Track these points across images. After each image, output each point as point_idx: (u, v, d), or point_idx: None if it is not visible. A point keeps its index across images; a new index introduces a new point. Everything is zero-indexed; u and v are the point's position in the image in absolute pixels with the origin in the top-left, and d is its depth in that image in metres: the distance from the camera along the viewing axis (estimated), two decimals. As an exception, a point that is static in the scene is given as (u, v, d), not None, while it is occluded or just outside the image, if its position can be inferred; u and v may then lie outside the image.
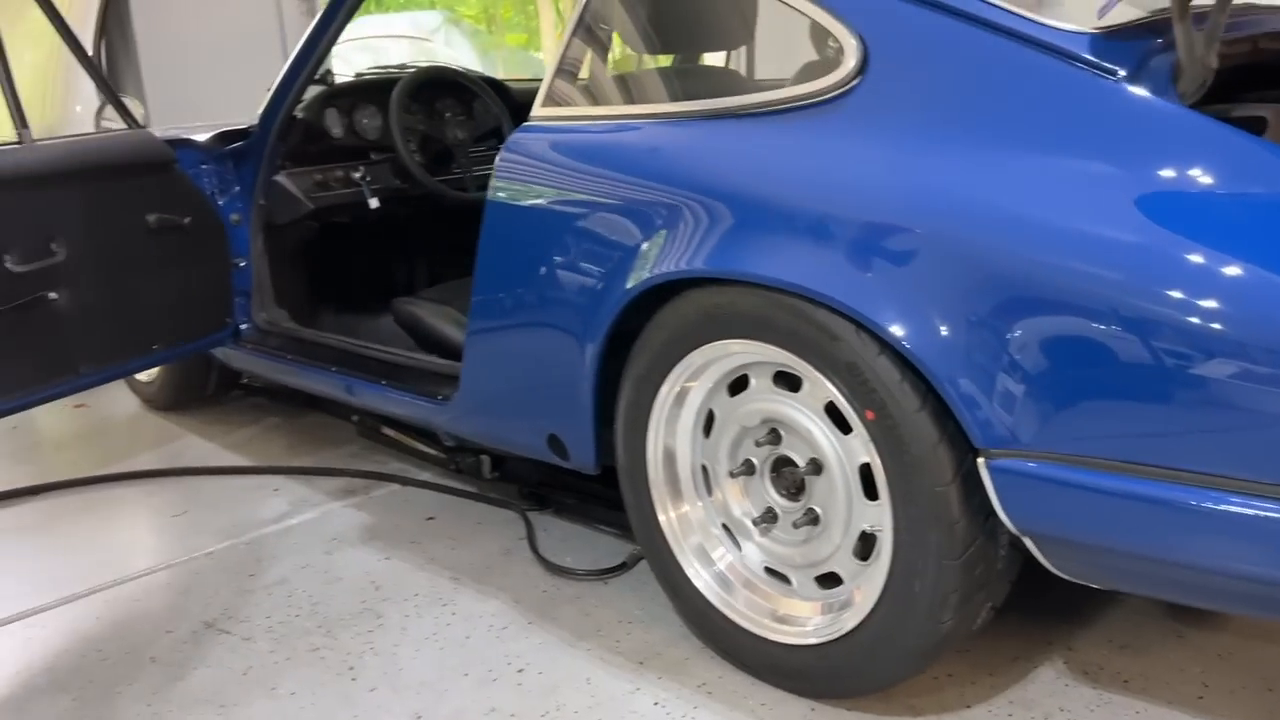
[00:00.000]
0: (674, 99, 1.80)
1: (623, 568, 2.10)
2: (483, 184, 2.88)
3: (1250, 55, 1.65)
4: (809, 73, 1.63)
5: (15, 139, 2.24)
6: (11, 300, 2.14)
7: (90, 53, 4.40)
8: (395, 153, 2.79)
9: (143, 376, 3.31)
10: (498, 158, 1.94)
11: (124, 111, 2.50)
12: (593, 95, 1.90)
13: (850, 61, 1.57)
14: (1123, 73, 1.40)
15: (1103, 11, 1.46)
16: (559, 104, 1.92)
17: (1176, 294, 1.22)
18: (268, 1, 5.08)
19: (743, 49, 2.19)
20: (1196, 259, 1.23)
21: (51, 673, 1.86)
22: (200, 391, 3.21)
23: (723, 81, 1.76)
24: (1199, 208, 1.30)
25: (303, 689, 1.76)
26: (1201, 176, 1.31)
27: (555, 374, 1.90)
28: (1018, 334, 1.32)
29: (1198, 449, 1.24)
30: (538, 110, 1.94)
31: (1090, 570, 1.42)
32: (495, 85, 3.12)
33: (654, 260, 1.67)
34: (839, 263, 1.45)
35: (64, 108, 4.54)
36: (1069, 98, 1.42)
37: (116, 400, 3.41)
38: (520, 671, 1.78)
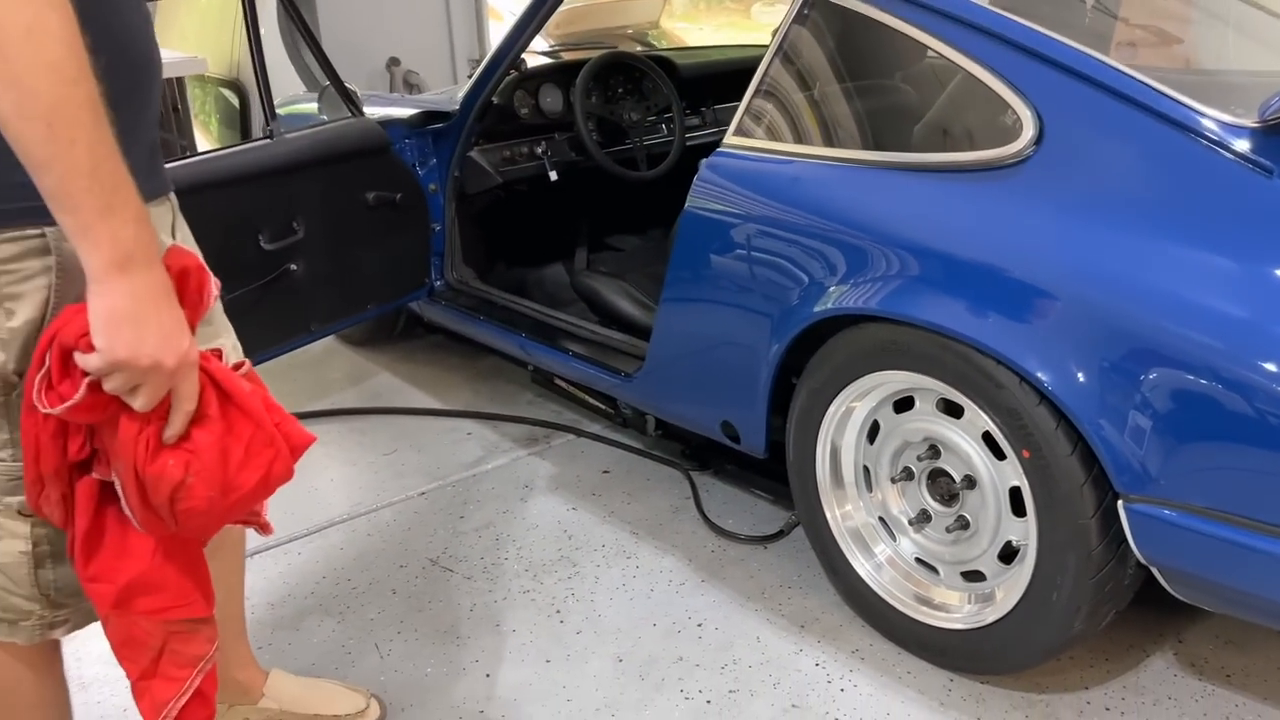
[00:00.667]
0: (863, 146, 2.03)
1: (780, 534, 2.42)
2: (652, 158, 3.14)
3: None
4: (988, 139, 1.85)
5: (265, 134, 2.59)
6: (265, 274, 2.51)
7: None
8: (575, 131, 3.06)
9: (337, 313, 3.72)
10: (697, 177, 2.20)
11: (350, 102, 2.81)
12: (782, 132, 2.13)
13: (1028, 134, 1.78)
14: (1277, 170, 1.60)
15: (1265, 110, 1.64)
16: (750, 135, 2.16)
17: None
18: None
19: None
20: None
21: (314, 597, 2.28)
22: (390, 332, 3.60)
23: (908, 135, 1.98)
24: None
25: (521, 627, 2.14)
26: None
27: (735, 372, 2.19)
28: (1159, 400, 1.56)
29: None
30: (731, 139, 2.19)
31: (1206, 598, 1.68)
32: (666, 64, 3.34)
33: (836, 293, 1.93)
34: (1007, 319, 1.70)
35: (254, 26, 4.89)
36: (1221, 191, 1.62)
37: (312, 331, 3.83)
38: (699, 626, 2.13)
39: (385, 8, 5.19)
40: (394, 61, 5.22)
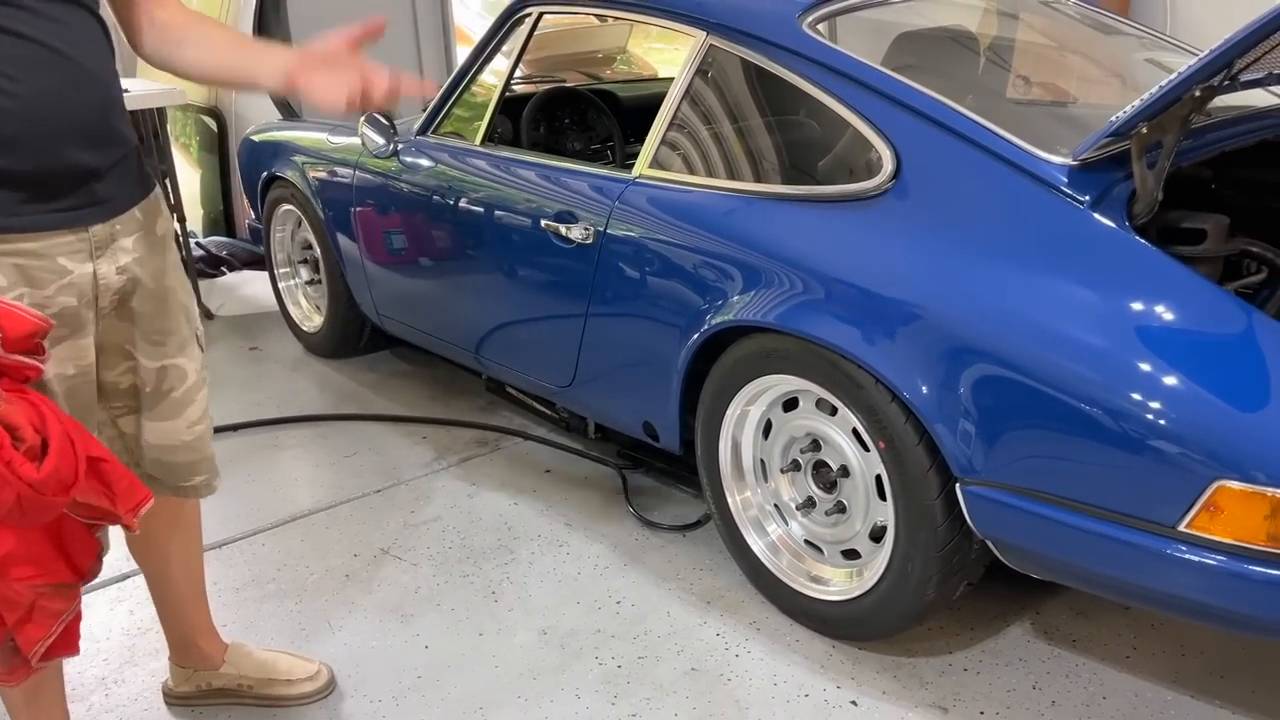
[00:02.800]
0: (754, 178, 2.30)
1: (698, 524, 2.69)
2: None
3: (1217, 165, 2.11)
4: (854, 174, 2.13)
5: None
6: None
7: (253, 19, 5.01)
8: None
9: (307, 327, 3.99)
10: (615, 204, 2.48)
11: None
12: (688, 164, 2.41)
13: (886, 170, 2.06)
14: (1088, 200, 1.88)
15: (1078, 151, 1.92)
16: (661, 167, 2.45)
17: (1093, 377, 1.72)
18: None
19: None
20: (1137, 361, 1.72)
21: (275, 583, 2.54)
22: (355, 344, 3.86)
23: (790, 169, 2.26)
24: (1125, 315, 1.77)
25: (459, 606, 2.41)
26: (1135, 295, 1.78)
27: (651, 378, 2.46)
28: (983, 396, 1.83)
29: (1098, 490, 1.75)
30: (644, 169, 2.47)
31: (1034, 568, 1.95)
32: (609, 97, 3.63)
33: (730, 307, 2.20)
34: (866, 330, 1.98)
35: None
36: (1045, 219, 1.90)
37: (283, 345, 4.09)
38: (618, 603, 2.40)
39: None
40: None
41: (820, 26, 2.31)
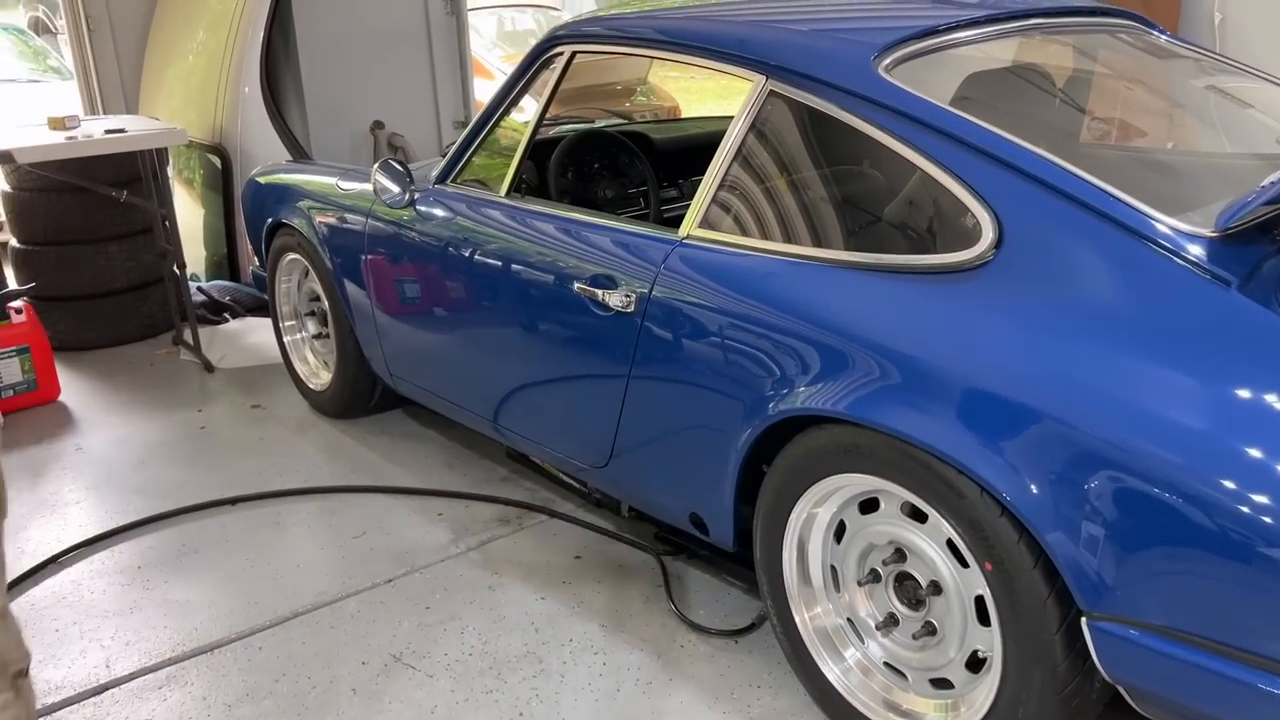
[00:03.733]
0: (824, 244, 2.00)
1: (751, 628, 2.38)
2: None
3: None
4: (948, 241, 1.83)
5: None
6: None
7: (259, 55, 4.76)
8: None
9: (314, 384, 3.70)
10: (660, 268, 2.18)
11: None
12: (747, 226, 2.12)
13: (987, 238, 1.76)
14: (1235, 281, 1.58)
15: (1223, 220, 1.62)
16: (715, 228, 2.15)
17: (1259, 500, 1.41)
18: (416, 4, 5.34)
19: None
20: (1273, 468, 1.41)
21: (274, 697, 2.23)
22: (365, 403, 3.56)
23: (869, 234, 1.96)
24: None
25: (482, 731, 2.10)
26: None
27: (702, 464, 2.16)
28: (1120, 517, 1.52)
29: (1263, 636, 1.44)
30: (693, 229, 2.17)
31: (1170, 717, 1.63)
32: (642, 139, 3.34)
33: (797, 392, 1.90)
34: (967, 428, 1.67)
35: (235, 90, 4.87)
36: (1183, 302, 1.60)
37: (288, 403, 3.80)
38: (665, 729, 2.09)
39: (369, 70, 5.20)
40: (378, 125, 5.22)
41: (900, 70, 2.01)
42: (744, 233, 2.11)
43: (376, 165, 2.93)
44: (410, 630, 2.44)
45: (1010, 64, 2.33)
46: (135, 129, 3.93)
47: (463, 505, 3.02)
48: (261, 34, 4.79)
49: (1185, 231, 1.64)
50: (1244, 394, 1.50)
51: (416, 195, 2.92)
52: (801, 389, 1.90)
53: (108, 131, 3.86)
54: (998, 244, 1.76)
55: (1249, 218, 1.62)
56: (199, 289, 4.83)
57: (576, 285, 2.34)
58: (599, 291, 2.28)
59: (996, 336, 1.70)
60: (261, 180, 3.78)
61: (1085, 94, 2.38)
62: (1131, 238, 1.66)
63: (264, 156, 4.71)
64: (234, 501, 3.09)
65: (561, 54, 2.61)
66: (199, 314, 4.76)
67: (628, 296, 2.22)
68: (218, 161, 4.94)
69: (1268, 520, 1.40)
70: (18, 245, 4.48)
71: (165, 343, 4.52)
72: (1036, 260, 1.73)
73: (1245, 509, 1.41)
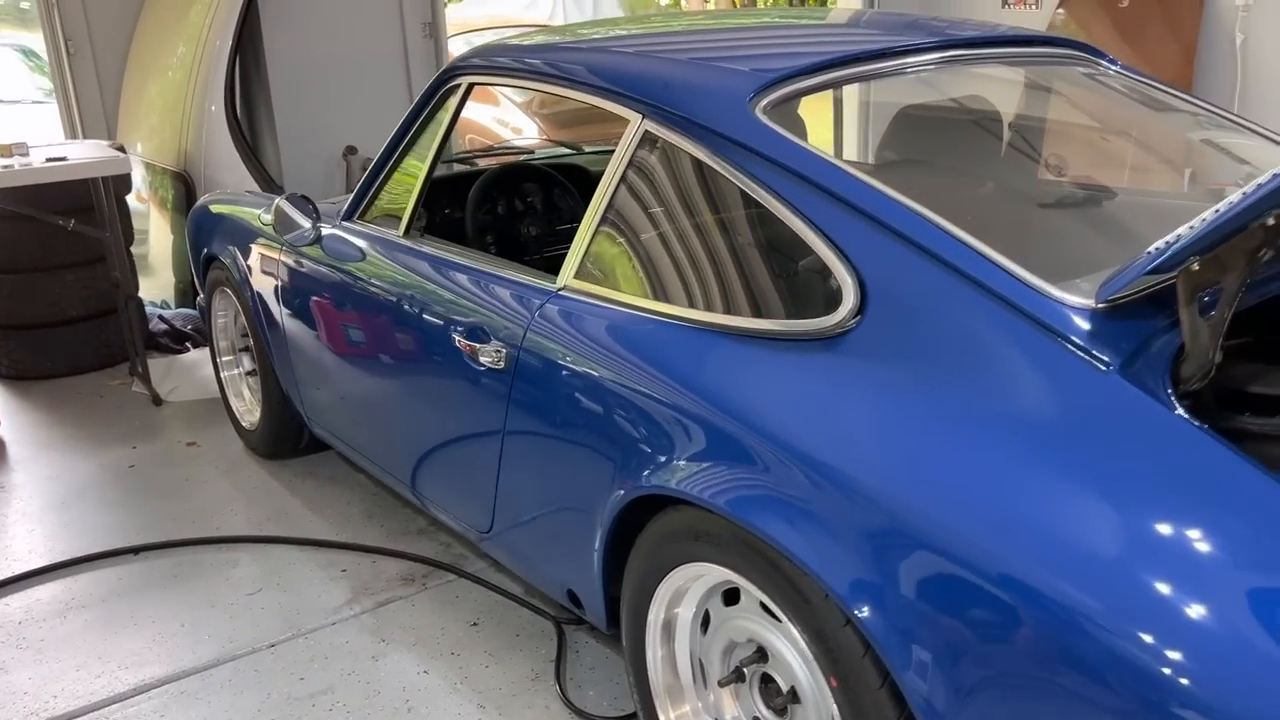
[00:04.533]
0: (693, 303, 1.80)
1: (635, 717, 2.17)
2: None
3: None
4: (809, 306, 1.62)
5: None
6: None
7: (225, 75, 4.65)
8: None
9: (246, 422, 3.56)
10: (531, 321, 2.00)
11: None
12: (616, 276, 1.93)
13: (848, 304, 1.56)
14: (1115, 363, 1.36)
15: (1105, 290, 1.40)
16: (588, 279, 1.96)
17: (1131, 643, 1.19)
18: (392, 27, 5.22)
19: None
20: (1149, 595, 1.19)
21: (112, 779, 2.07)
22: (294, 444, 3.41)
23: (733, 293, 1.76)
24: (1152, 529, 1.24)
25: (320, 829, 1.91)
26: (1170, 500, 1.25)
27: (572, 538, 1.97)
28: (965, 633, 1.30)
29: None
30: (569, 280, 1.99)
31: None
32: (576, 171, 3.16)
33: (652, 468, 1.70)
34: (814, 526, 1.46)
35: (201, 109, 4.76)
36: (1053, 384, 1.38)
37: (224, 440, 3.67)
38: (518, 833, 1.89)
39: (343, 94, 5.09)
40: (351, 150, 5.10)
41: (781, 109, 1.82)
42: (615, 286, 1.92)
43: (283, 198, 2.78)
44: (277, 704, 2.26)
45: (922, 103, 2.12)
46: (81, 157, 3.83)
47: (369, 560, 2.85)
48: (229, 46, 4.66)
49: (1064, 303, 1.42)
50: (1103, 493, 1.27)
51: (323, 232, 2.77)
52: (657, 463, 1.70)
53: (48, 159, 3.76)
54: (859, 311, 1.55)
55: (1135, 289, 1.40)
56: (160, 317, 4.73)
57: (455, 337, 2.17)
58: (474, 345, 2.10)
59: (849, 420, 1.49)
60: (211, 208, 3.66)
61: (994, 134, 2.16)
62: (1004, 309, 1.45)
63: (229, 183, 4.61)
64: (136, 550, 2.95)
65: (459, 85, 2.44)
66: (161, 343, 4.67)
67: (498, 352, 2.04)
68: (183, 187, 4.85)
69: (1106, 632, 1.18)
70: (-17, 273, 4.41)
71: (123, 372, 4.42)
72: (900, 331, 1.52)
73: (1093, 622, 1.19)
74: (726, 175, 1.76)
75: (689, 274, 1.83)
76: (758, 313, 1.69)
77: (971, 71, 2.24)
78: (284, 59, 4.91)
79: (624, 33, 2.35)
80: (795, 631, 1.53)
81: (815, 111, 2.61)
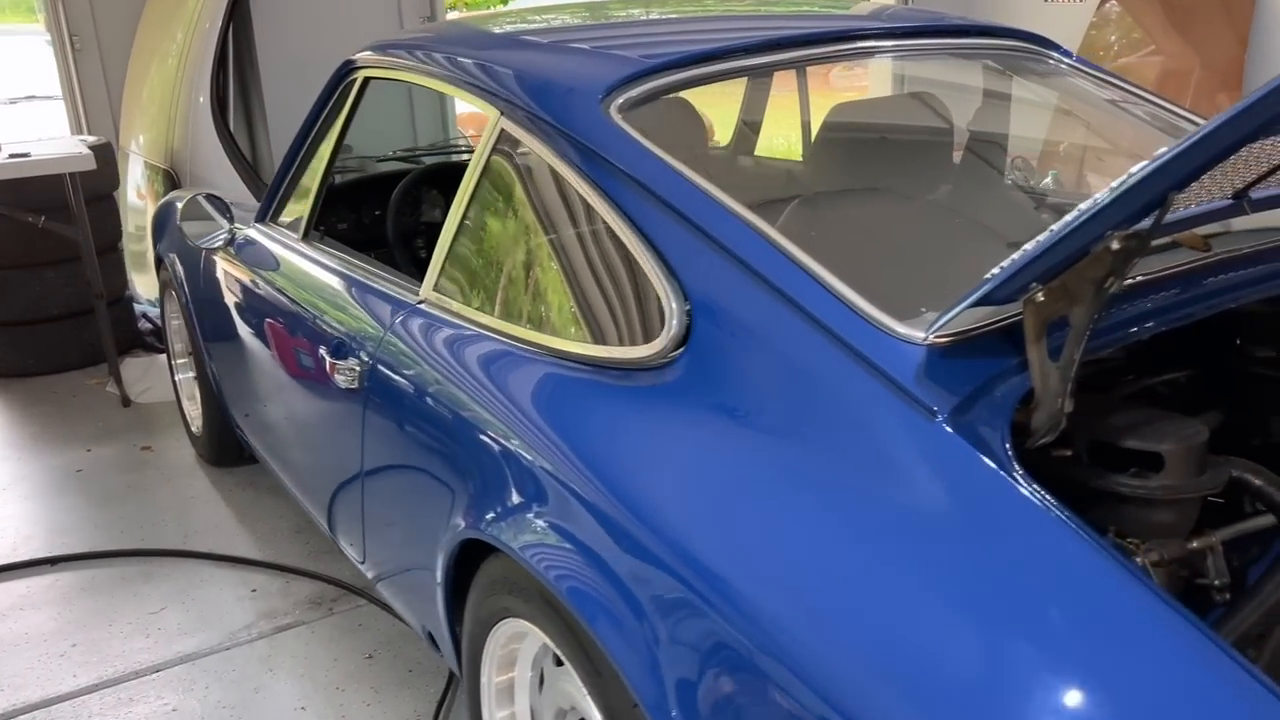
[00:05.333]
0: (534, 323, 1.60)
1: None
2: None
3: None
4: (637, 329, 1.42)
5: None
6: None
7: (212, 65, 4.55)
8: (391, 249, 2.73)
9: (195, 427, 3.45)
10: (385, 336, 1.83)
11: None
12: (469, 289, 1.75)
13: (671, 331, 1.35)
14: (944, 410, 1.13)
15: (933, 326, 1.18)
16: (443, 291, 1.79)
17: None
18: (390, 18, 5.10)
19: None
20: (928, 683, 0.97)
21: (-53, 815, 1.96)
22: (237, 452, 3.29)
23: (565, 315, 1.56)
24: (953, 631, 1.02)
25: None
26: (981, 585, 1.03)
27: (422, 574, 1.79)
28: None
29: None
30: (429, 291, 1.82)
31: None
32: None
33: (480, 505, 1.52)
34: (605, 582, 1.26)
35: (189, 99, 4.67)
36: (865, 435, 1.16)
37: (178, 445, 3.57)
38: None
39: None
40: (345, 149, 4.98)
41: (645, 109, 1.61)
42: (465, 300, 1.74)
43: (190, 197, 2.66)
44: (139, 738, 2.13)
45: (850, 107, 1.89)
46: (45, 154, 3.77)
47: (283, 580, 2.71)
48: (218, 31, 4.55)
49: (896, 337, 1.20)
50: (910, 576, 1.05)
51: (236, 234, 2.63)
52: (481, 502, 1.52)
53: (11, 155, 3.70)
54: (683, 340, 1.34)
55: (976, 323, 1.17)
56: (144, 315, 4.67)
57: (321, 351, 2.01)
58: (335, 362, 1.93)
59: (659, 460, 1.29)
60: (165, 205, 3.56)
61: (904, 141, 1.92)
62: (832, 342, 1.23)
63: (216, 181, 4.52)
64: (53, 561, 2.85)
65: (355, 80, 2.28)
66: (147, 342, 4.61)
67: (353, 371, 1.87)
68: (171, 185, 4.78)
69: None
70: (-34, 268, 4.40)
71: (103, 371, 4.36)
72: (721, 367, 1.31)
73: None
74: (572, 181, 1.56)
75: (532, 291, 1.64)
76: (595, 337, 1.49)
77: (904, 66, 2.01)
78: (276, 50, 4.80)
79: (540, 23, 2.16)
80: (594, 707, 1.33)
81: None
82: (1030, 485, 1.07)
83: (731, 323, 1.31)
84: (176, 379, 3.56)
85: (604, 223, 1.50)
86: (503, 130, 1.72)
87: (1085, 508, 1.23)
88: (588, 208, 1.53)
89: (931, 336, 1.17)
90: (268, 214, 2.57)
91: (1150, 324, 1.28)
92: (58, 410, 4.00)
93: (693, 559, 1.17)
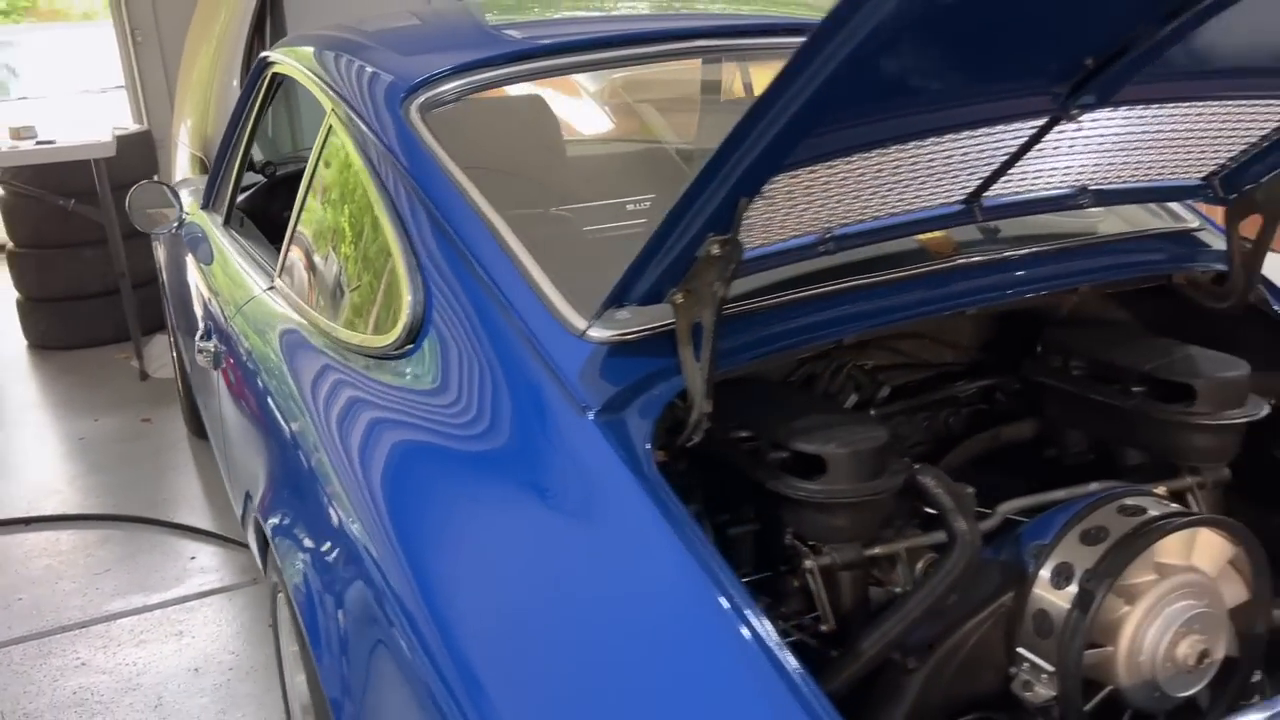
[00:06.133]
0: (331, 313, 1.67)
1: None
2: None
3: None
4: (381, 318, 1.47)
5: None
6: None
7: (245, 48, 4.72)
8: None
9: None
10: (231, 321, 1.93)
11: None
12: (295, 283, 1.82)
13: (402, 320, 1.40)
14: (595, 406, 1.15)
15: (589, 328, 1.19)
16: (284, 279, 1.87)
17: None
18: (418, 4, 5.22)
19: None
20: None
21: None
22: (216, 428, 3.47)
23: (341, 309, 1.62)
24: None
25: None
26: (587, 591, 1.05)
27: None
28: None
29: None
30: (277, 278, 1.90)
31: None
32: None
33: (260, 488, 1.60)
34: (314, 571, 1.32)
35: (223, 82, 4.84)
36: (523, 430, 1.19)
37: (175, 419, 3.77)
38: None
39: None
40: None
41: (450, 111, 1.64)
42: (293, 286, 1.82)
43: (139, 186, 2.81)
44: (33, 698, 2.28)
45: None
46: (70, 141, 4.02)
47: (225, 551, 2.85)
48: (252, 11, 4.70)
49: (574, 334, 1.22)
50: (535, 575, 1.08)
51: (185, 221, 2.78)
52: (262, 482, 1.60)
53: (39, 143, 3.96)
54: (416, 331, 1.39)
55: (646, 325, 1.19)
56: (176, 295, 4.93)
57: (199, 332, 2.12)
58: (200, 344, 2.04)
59: (371, 459, 1.33)
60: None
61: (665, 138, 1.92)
62: (524, 340, 1.26)
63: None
64: (27, 522, 3.06)
65: (266, 76, 2.38)
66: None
67: (208, 351, 1.97)
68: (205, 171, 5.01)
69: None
70: (12, 248, 4.72)
71: (131, 347, 4.62)
72: (441, 359, 1.35)
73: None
74: (365, 178, 1.62)
75: (327, 280, 1.71)
76: (357, 325, 1.54)
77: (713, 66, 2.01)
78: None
79: (432, 20, 2.23)
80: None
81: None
82: (661, 489, 1.07)
83: (453, 317, 1.35)
84: (172, 354, 3.76)
85: (382, 217, 1.55)
86: (330, 126, 1.79)
87: (773, 508, 1.24)
88: (370, 202, 1.59)
89: (605, 334, 1.19)
90: (208, 203, 2.70)
91: (857, 325, 1.27)
92: (82, 380, 4.27)
93: (372, 541, 1.22)
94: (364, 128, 1.64)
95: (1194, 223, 1.58)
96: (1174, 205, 1.62)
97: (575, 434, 1.14)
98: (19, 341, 4.78)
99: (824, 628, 1.21)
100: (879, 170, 1.14)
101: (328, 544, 1.31)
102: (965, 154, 1.19)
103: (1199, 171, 1.45)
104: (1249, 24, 1.12)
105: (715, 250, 1.03)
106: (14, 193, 4.50)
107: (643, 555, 1.04)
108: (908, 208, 1.27)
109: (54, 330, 4.68)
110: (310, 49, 2.03)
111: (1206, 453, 1.35)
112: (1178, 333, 1.54)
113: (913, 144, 1.07)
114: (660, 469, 1.11)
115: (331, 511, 1.33)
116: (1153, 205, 1.63)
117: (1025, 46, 1.01)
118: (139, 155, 4.70)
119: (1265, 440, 1.44)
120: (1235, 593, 1.21)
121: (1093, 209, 1.42)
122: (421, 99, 1.64)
